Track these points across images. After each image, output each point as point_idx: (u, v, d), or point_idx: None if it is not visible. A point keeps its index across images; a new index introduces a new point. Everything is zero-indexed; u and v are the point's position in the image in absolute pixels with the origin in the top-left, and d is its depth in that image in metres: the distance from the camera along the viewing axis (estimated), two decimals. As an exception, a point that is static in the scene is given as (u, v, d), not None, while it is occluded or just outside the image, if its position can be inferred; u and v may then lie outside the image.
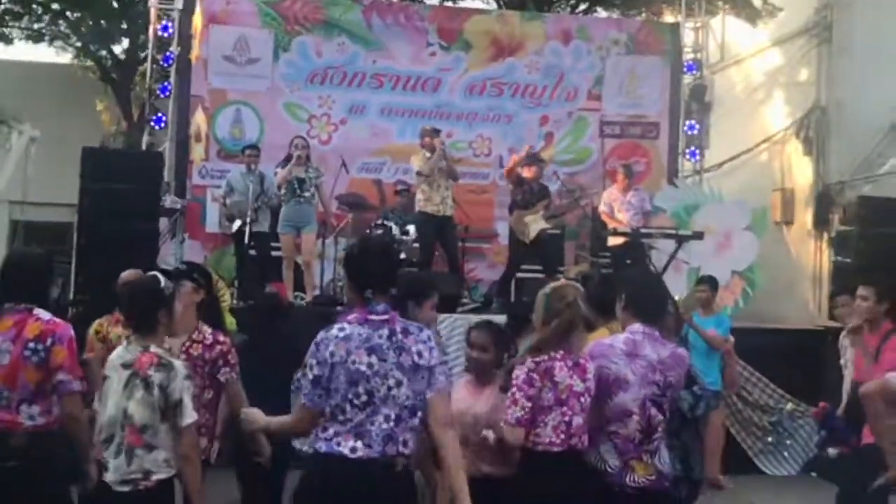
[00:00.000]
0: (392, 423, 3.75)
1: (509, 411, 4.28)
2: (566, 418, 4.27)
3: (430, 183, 10.81)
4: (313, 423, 3.84)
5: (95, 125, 15.13)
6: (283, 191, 10.76)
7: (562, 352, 4.33)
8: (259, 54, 13.17)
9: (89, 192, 8.69)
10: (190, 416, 4.08)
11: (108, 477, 4.02)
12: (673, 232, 11.41)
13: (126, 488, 4.00)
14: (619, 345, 4.44)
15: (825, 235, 13.63)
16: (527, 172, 11.05)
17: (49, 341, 4.32)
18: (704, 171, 14.24)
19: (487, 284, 12.68)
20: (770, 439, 9.71)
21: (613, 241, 11.32)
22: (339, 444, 3.74)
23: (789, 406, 9.82)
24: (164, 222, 11.46)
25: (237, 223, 10.79)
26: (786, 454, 9.86)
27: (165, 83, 12.93)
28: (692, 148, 14.12)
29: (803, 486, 9.28)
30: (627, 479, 4.36)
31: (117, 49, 18.45)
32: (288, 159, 10.82)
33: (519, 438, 4.27)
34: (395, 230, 11.40)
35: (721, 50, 15.87)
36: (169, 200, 11.78)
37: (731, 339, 8.70)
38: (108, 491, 4.02)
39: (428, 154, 10.88)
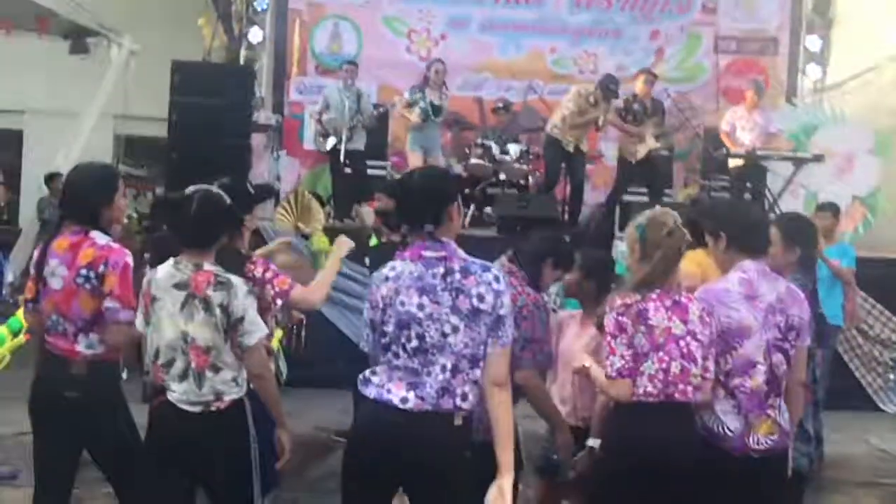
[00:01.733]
0: (448, 374, 3.38)
1: (608, 363, 3.77)
2: (663, 365, 3.72)
3: (573, 126, 10.51)
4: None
5: (197, 40, 14.90)
6: (413, 113, 10.69)
7: (658, 291, 3.78)
8: (358, -33, 12.80)
9: (179, 106, 8.53)
10: (256, 333, 3.81)
11: (175, 397, 3.82)
12: (791, 154, 10.85)
13: (197, 409, 3.80)
14: (736, 287, 3.90)
15: (953, 160, 12.77)
16: (640, 88, 10.56)
17: (102, 267, 4.07)
18: (826, 89, 13.39)
19: (591, 207, 12.22)
20: (892, 376, 9.17)
21: (733, 163, 10.74)
22: (389, 391, 3.43)
23: (916, 342, 9.22)
24: (260, 138, 11.33)
25: (331, 141, 10.63)
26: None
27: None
28: (813, 64, 13.29)
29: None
30: (750, 442, 3.85)
31: (219, -38, 18.18)
32: (425, 81, 10.77)
33: (625, 393, 3.75)
34: (495, 150, 11.06)
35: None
36: (263, 116, 11.63)
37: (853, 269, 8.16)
38: (177, 411, 3.81)
39: (592, 101, 10.47)
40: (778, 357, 3.89)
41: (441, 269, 3.42)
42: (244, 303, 3.80)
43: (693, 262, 5.37)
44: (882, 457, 7.73)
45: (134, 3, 15.00)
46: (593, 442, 4.13)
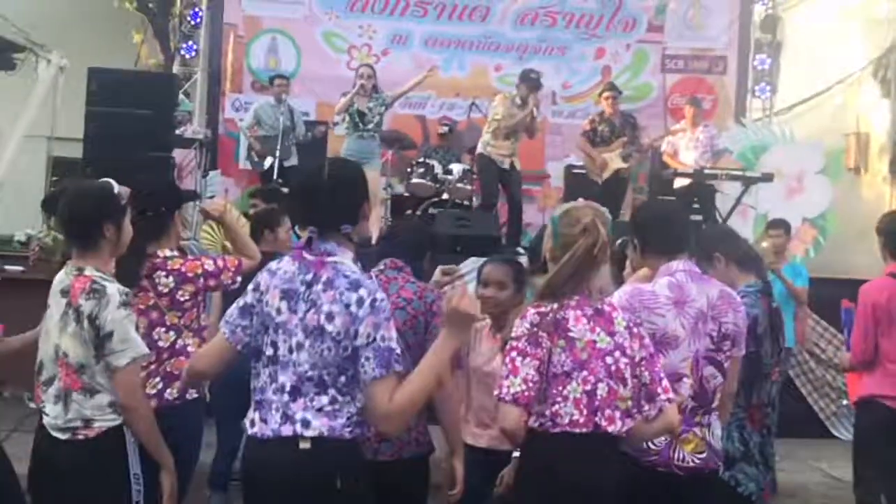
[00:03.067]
0: (286, 396, 2.92)
1: (504, 383, 3.09)
2: (587, 387, 3.09)
3: (507, 135, 10.10)
4: (222, 357, 3.07)
5: (131, 58, 14.43)
6: (344, 122, 10.25)
7: (577, 297, 3.16)
8: (296, -21, 12.42)
9: (95, 116, 8.03)
10: (126, 353, 3.27)
11: (47, 422, 3.36)
12: (740, 173, 10.53)
13: (64, 436, 3.31)
14: (664, 291, 3.49)
15: (901, 183, 12.72)
16: (605, 105, 10.27)
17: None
18: (776, 112, 13.28)
19: (536, 229, 11.88)
20: (844, 402, 8.78)
21: (679, 182, 10.43)
22: (249, 415, 3.04)
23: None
24: (189, 155, 10.85)
25: (269, 161, 10.15)
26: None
27: (197, 10, 12.28)
28: (762, 85, 13.12)
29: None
30: (675, 458, 3.46)
31: (155, -21, 17.77)
32: (353, 88, 10.22)
33: (515, 423, 3.08)
34: (438, 169, 10.68)
35: (793, -16, 14.80)
36: (190, 130, 11.14)
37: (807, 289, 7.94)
38: (48, 438, 3.35)
39: (519, 102, 10.06)
40: (709, 370, 3.53)
41: (309, 276, 2.98)
42: (115, 315, 3.27)
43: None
44: (834, 485, 7.39)
45: (65, 18, 14.48)
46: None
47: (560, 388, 3.10)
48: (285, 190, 7.73)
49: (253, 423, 2.99)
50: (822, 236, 11.26)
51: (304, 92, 11.64)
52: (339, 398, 2.92)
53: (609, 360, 3.13)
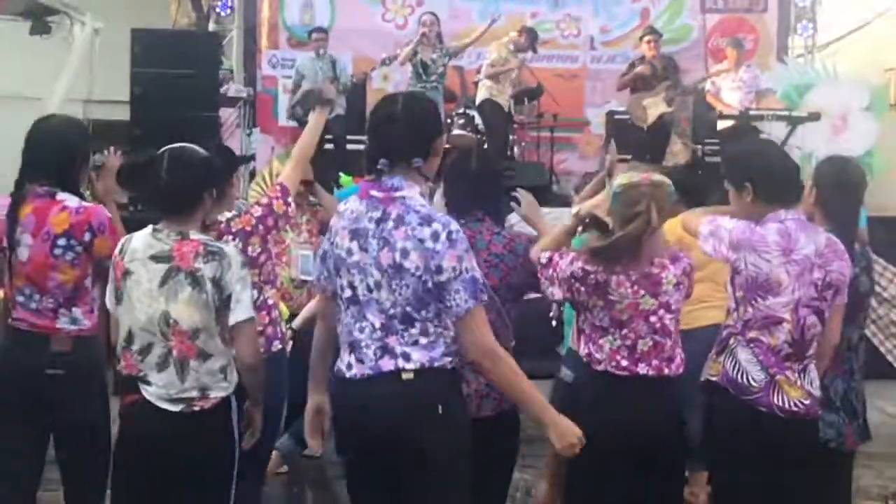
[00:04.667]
0: (380, 332, 2.95)
1: (542, 255, 3.52)
2: (627, 342, 3.42)
3: (500, 79, 10.22)
4: (327, 305, 3.20)
5: (164, 17, 14.36)
6: (409, 74, 10.22)
7: (624, 263, 3.40)
8: (329, -68, 12.25)
9: (141, 78, 8.01)
10: (244, 312, 3.29)
11: (152, 392, 3.30)
12: (786, 113, 10.39)
13: (177, 408, 3.29)
14: (774, 237, 3.46)
15: (944, 118, 12.48)
16: (646, 49, 10.14)
17: (87, 236, 3.65)
18: (816, 48, 13.02)
19: (579, 177, 11.78)
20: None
21: (721, 124, 10.29)
22: (342, 359, 3.07)
23: (926, 300, 8.82)
24: (230, 113, 10.81)
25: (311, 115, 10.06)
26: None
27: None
28: (804, 22, 12.84)
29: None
30: (776, 400, 3.44)
31: (185, -65, 17.62)
32: (422, 38, 10.16)
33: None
34: (479, 120, 10.56)
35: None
36: (233, 89, 11.08)
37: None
38: (154, 411, 3.30)
39: (512, 47, 10.06)
40: (812, 318, 3.48)
41: (378, 213, 2.98)
42: (240, 274, 3.29)
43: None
44: (892, 423, 7.34)
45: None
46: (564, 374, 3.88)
47: (597, 337, 3.46)
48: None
49: (350, 366, 3.01)
50: (870, 174, 11.07)
51: (340, 46, 11.48)
52: (431, 329, 2.96)
53: (653, 318, 3.42)
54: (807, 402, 3.49)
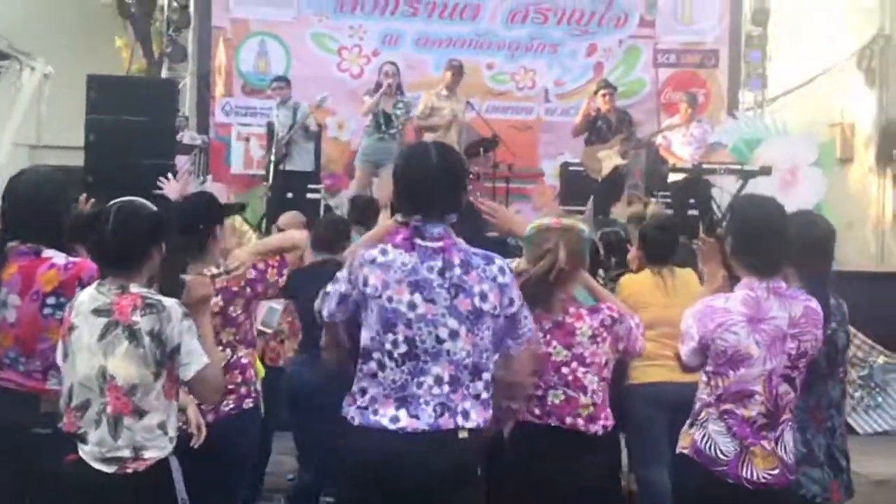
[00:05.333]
0: (446, 387, 2.93)
1: None
2: (538, 392, 3.43)
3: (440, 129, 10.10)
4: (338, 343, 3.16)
5: (115, 63, 14.25)
6: (367, 123, 10.19)
7: (537, 311, 3.36)
8: (283, -20, 12.30)
9: (96, 125, 7.86)
10: (192, 365, 3.17)
11: (87, 451, 3.16)
12: (738, 167, 10.52)
13: (110, 468, 3.14)
14: (738, 307, 3.38)
15: (888, 173, 12.98)
16: (601, 102, 10.22)
17: (79, 288, 3.50)
18: (760, 105, 13.33)
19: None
20: (860, 395, 8.82)
21: (673, 177, 10.39)
22: (376, 411, 2.95)
23: (881, 359, 8.95)
24: (182, 160, 10.68)
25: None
26: (879, 411, 9.00)
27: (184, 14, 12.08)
28: (754, 77, 13.12)
29: (897, 445, 8.45)
30: (744, 472, 3.36)
31: (136, -19, 17.53)
32: (378, 88, 10.08)
33: None
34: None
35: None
36: (188, 136, 11.01)
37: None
38: (87, 470, 3.16)
39: (445, 93, 10.15)
40: (784, 387, 3.40)
41: (438, 263, 2.98)
42: (181, 328, 3.16)
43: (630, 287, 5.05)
44: (859, 482, 7.33)
45: (46, 25, 14.31)
46: None
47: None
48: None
49: (396, 419, 2.93)
50: (818, 229, 11.24)
51: (295, 95, 11.45)
52: (490, 382, 3.01)
53: (565, 370, 3.42)
54: (776, 471, 3.40)
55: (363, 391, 3.00)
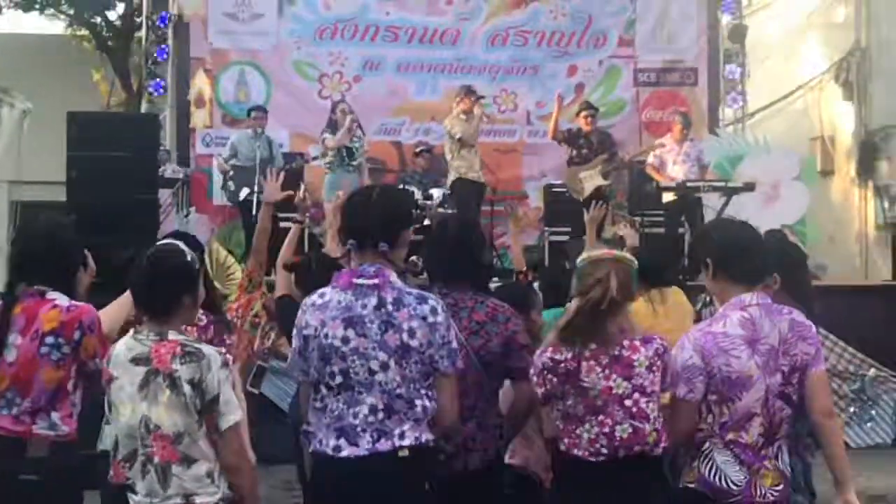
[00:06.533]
0: (381, 414, 3.11)
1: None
2: (605, 429, 3.38)
3: (470, 148, 10.24)
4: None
5: (93, 97, 14.20)
6: (328, 158, 10.32)
7: (594, 345, 3.40)
8: (262, 9, 12.34)
9: (77, 161, 7.75)
10: (233, 414, 3.20)
11: (137, 501, 3.16)
12: (722, 184, 10.55)
13: None
14: (737, 330, 3.37)
15: (870, 185, 12.99)
16: (583, 124, 10.23)
17: (77, 334, 3.55)
18: (738, 121, 13.32)
19: (516, 251, 11.86)
20: (852, 409, 8.85)
21: (667, 197, 10.40)
22: (321, 441, 3.17)
23: (872, 372, 8.96)
24: (165, 194, 10.61)
25: (245, 191, 9.98)
26: (870, 424, 9.03)
27: (163, 46, 12.12)
28: (733, 94, 13.13)
29: (892, 459, 8.46)
30: (757, 495, 3.34)
31: (112, 15, 17.58)
32: (330, 123, 10.32)
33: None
34: (418, 195, 10.55)
35: (753, -9, 14.94)
36: (170, 170, 10.97)
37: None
38: None
39: (464, 116, 10.21)
40: (779, 403, 3.39)
41: (373, 300, 3.14)
42: (220, 376, 3.17)
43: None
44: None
45: (22, 62, 14.24)
46: None
47: (573, 427, 3.41)
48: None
49: (339, 448, 3.11)
50: (804, 242, 11.25)
51: (276, 123, 11.42)
52: (429, 407, 3.15)
53: (628, 402, 3.38)
54: (780, 487, 3.40)
55: (311, 422, 3.23)
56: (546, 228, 11.39)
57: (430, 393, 3.17)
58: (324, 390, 3.18)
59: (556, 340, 3.44)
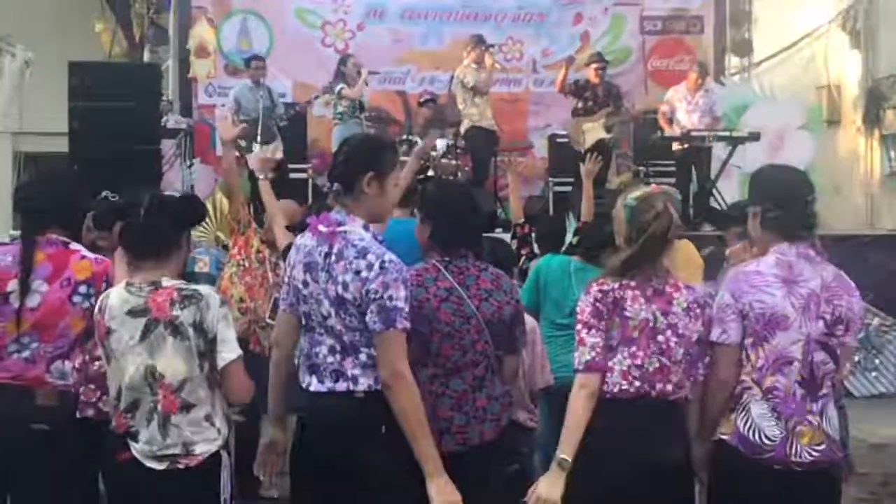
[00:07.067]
0: (338, 356, 3.18)
1: (576, 354, 3.32)
2: (636, 361, 3.26)
3: (482, 97, 10.29)
4: (291, 331, 3.40)
5: (96, 47, 14.07)
6: (340, 108, 10.19)
7: (639, 277, 3.32)
8: (264, -45, 12.16)
9: (79, 112, 7.76)
10: (231, 352, 3.22)
11: (139, 449, 3.18)
12: (727, 134, 10.50)
13: (161, 465, 3.16)
14: (771, 269, 3.29)
15: (876, 134, 12.86)
16: (592, 75, 10.18)
17: (105, 286, 3.54)
18: (745, 69, 13.34)
19: (521, 200, 11.76)
20: (857, 358, 8.81)
21: (676, 146, 10.35)
22: (301, 378, 3.31)
23: (875, 321, 8.96)
24: (168, 144, 10.58)
25: (255, 148, 9.92)
26: (874, 373, 9.06)
27: (165, -7, 11.96)
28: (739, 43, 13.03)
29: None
30: (792, 453, 3.23)
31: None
32: (338, 75, 10.21)
33: (592, 388, 3.28)
34: (421, 145, 10.47)
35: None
36: (172, 120, 10.91)
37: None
38: (139, 467, 3.17)
39: (475, 66, 10.23)
40: (821, 355, 3.26)
41: (325, 248, 3.21)
42: (219, 314, 3.20)
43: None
44: (857, 445, 7.34)
45: (23, 11, 14.10)
46: None
47: (609, 357, 3.32)
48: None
49: (309, 385, 3.24)
50: (811, 191, 11.24)
51: (279, 72, 11.36)
52: (375, 354, 3.15)
53: (661, 338, 3.29)
54: (822, 446, 3.28)
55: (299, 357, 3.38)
56: (550, 179, 11.36)
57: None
58: (302, 330, 3.33)
59: (604, 276, 3.38)
